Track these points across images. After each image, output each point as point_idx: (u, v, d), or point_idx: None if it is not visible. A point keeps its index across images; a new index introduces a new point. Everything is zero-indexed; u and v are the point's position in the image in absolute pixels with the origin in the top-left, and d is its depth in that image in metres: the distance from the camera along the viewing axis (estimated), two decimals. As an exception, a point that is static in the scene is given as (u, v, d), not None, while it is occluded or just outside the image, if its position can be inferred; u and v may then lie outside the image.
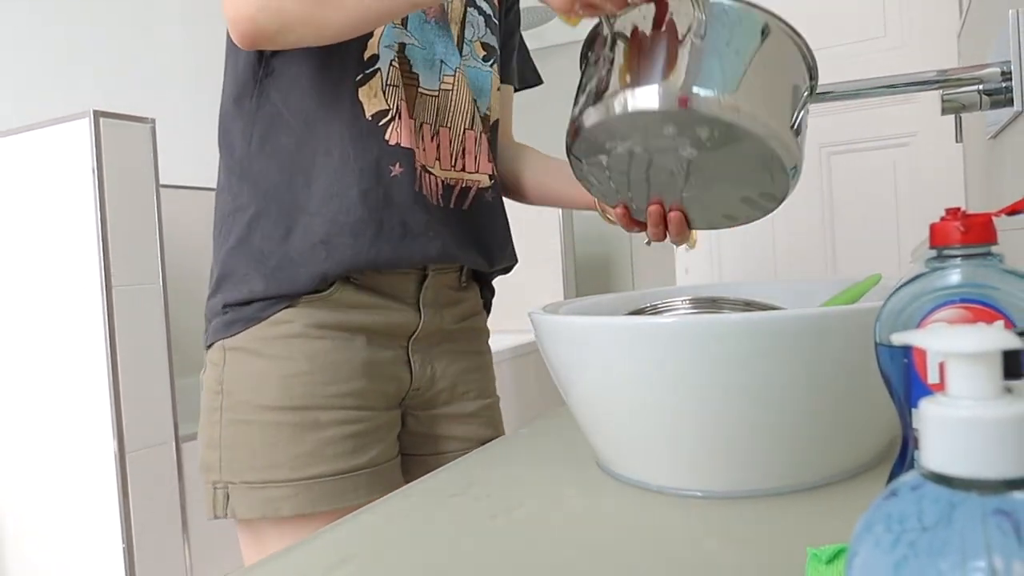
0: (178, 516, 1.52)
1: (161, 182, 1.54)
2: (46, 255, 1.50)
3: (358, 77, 0.75)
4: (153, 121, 1.53)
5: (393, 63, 0.77)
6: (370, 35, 0.75)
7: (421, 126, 0.79)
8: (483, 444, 0.84)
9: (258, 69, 0.76)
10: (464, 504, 0.55)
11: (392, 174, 0.74)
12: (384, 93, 0.75)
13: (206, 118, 2.43)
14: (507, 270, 0.93)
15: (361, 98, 0.74)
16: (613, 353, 0.52)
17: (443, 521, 0.52)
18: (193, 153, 2.33)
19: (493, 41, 0.89)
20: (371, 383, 0.77)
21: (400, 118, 0.76)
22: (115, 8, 2.19)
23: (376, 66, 0.75)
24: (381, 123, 0.75)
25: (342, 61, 0.74)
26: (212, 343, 0.77)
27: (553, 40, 2.90)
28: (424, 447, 0.86)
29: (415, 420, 0.84)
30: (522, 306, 0.90)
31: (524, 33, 1.05)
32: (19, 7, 1.95)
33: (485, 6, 0.88)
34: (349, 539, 0.50)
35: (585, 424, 0.59)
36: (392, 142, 0.75)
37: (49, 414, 1.51)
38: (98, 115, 1.43)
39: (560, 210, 2.79)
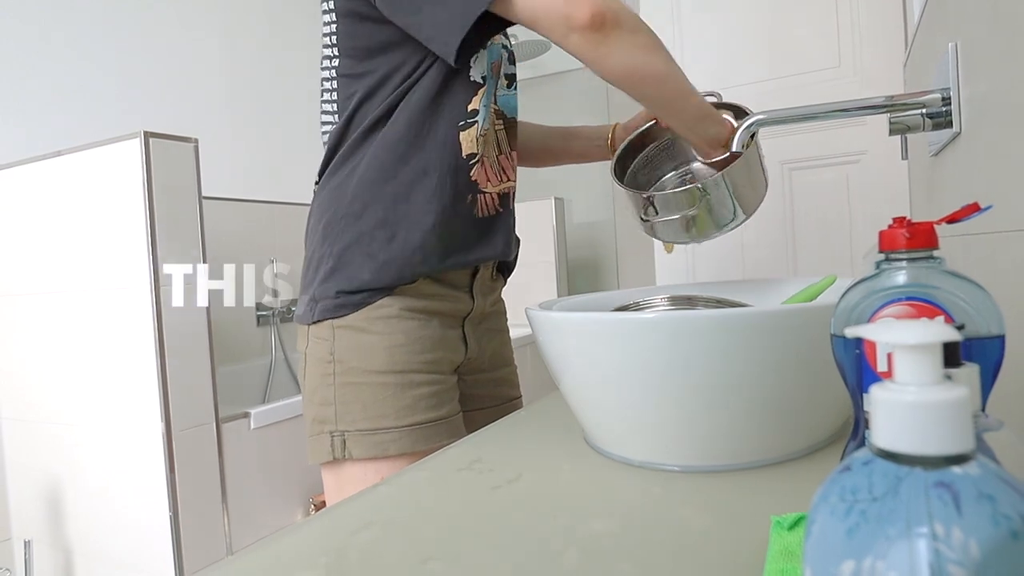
0: (218, 488, 1.52)
1: (203, 195, 1.55)
2: (102, 260, 1.50)
3: (461, 123, 0.81)
4: (196, 141, 1.53)
5: (487, 118, 0.83)
6: (475, 92, 0.81)
7: (490, 164, 0.85)
8: (509, 401, 0.97)
9: (396, 101, 0.79)
10: (470, 477, 0.55)
11: (467, 202, 0.82)
12: (477, 141, 0.82)
13: (242, 136, 2.43)
14: (513, 267, 0.97)
15: (461, 140, 0.81)
16: (600, 345, 0.52)
17: (451, 492, 0.52)
18: (230, 168, 2.33)
19: (514, 71, 0.91)
20: (444, 353, 0.84)
21: (483, 163, 0.83)
22: (162, 39, 2.19)
23: (475, 119, 0.82)
24: (470, 163, 0.82)
25: (453, 108, 0.80)
26: (320, 320, 0.81)
27: (550, 69, 2.90)
28: (468, 404, 0.92)
29: (463, 383, 0.91)
30: (520, 304, 0.93)
31: (522, 64, 1.05)
32: (78, 41, 1.95)
33: (507, 41, 0.90)
34: (370, 507, 0.50)
35: (576, 407, 0.59)
36: (473, 179, 0.83)
37: (105, 399, 1.51)
38: (148, 136, 1.42)
39: (554, 220, 2.79)
